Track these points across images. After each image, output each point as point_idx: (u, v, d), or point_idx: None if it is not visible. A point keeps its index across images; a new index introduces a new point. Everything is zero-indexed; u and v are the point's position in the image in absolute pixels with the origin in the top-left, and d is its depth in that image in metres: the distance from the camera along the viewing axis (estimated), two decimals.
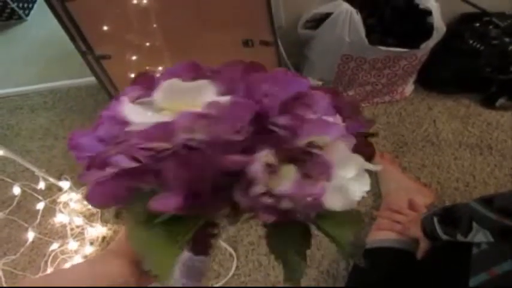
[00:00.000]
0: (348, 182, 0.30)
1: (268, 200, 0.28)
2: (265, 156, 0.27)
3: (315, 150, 0.28)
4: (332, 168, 0.29)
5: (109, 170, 0.27)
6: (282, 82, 0.30)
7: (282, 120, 0.28)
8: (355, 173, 0.30)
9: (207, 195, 0.27)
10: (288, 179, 0.28)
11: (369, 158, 0.32)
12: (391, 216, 0.96)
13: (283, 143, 0.28)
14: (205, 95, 0.28)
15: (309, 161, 0.28)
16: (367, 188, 0.31)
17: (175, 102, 0.28)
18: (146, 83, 0.30)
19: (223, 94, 0.29)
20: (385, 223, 0.94)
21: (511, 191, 0.78)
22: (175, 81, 0.28)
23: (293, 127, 0.28)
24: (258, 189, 0.27)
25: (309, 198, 0.28)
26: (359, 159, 0.31)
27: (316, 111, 0.29)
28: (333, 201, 0.30)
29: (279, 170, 0.28)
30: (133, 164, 0.26)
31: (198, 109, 0.27)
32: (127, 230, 0.31)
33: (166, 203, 0.26)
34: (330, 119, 0.30)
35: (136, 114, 0.28)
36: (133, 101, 0.30)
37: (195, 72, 0.31)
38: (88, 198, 0.28)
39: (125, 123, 0.28)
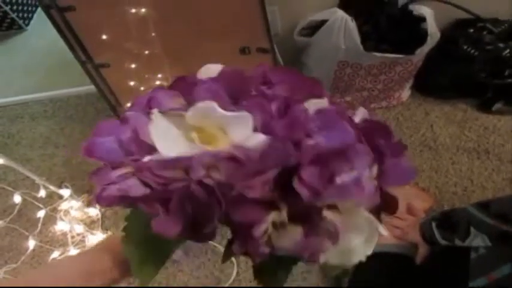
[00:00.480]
0: (355, 246, 0.28)
1: (265, 250, 0.27)
2: (275, 216, 0.26)
3: (330, 216, 0.26)
4: (342, 234, 0.27)
5: (117, 191, 0.26)
6: (329, 126, 0.26)
7: (309, 175, 0.24)
8: (365, 237, 0.28)
9: (207, 229, 0.26)
10: (291, 239, 0.27)
11: (391, 213, 0.29)
12: (389, 221, 0.96)
13: (301, 203, 0.25)
14: (239, 128, 0.25)
15: (320, 223, 0.27)
16: (370, 252, 0.29)
17: (206, 125, 0.26)
18: (184, 90, 0.28)
19: (260, 129, 0.26)
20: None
21: (507, 196, 0.79)
22: (211, 106, 0.25)
23: (318, 189, 0.24)
24: (256, 245, 0.26)
25: (306, 254, 0.27)
26: (375, 224, 0.28)
27: (354, 168, 0.25)
28: (331, 259, 0.28)
29: (286, 226, 0.27)
30: (144, 191, 0.25)
31: (226, 143, 0.25)
32: (124, 234, 0.33)
33: (166, 228, 0.26)
34: (366, 173, 0.26)
35: (162, 138, 0.26)
36: (166, 111, 0.27)
37: (239, 88, 0.27)
38: (96, 199, 0.27)
39: (149, 146, 0.26)
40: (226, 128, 0.26)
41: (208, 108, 0.25)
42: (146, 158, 0.25)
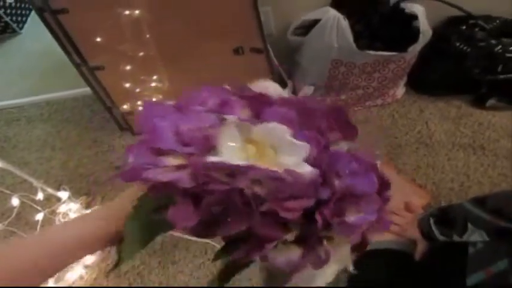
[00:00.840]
0: (326, 273, 0.32)
1: (257, 258, 0.29)
2: (289, 237, 0.28)
3: (326, 247, 0.30)
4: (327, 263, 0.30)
5: (163, 177, 0.27)
6: (361, 173, 0.29)
7: (327, 211, 0.28)
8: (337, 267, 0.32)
9: (221, 231, 0.28)
10: (289, 257, 0.29)
11: (359, 252, 0.33)
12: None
13: (313, 230, 0.28)
14: (293, 154, 0.28)
15: (318, 248, 0.30)
16: (330, 280, 0.33)
17: (266, 143, 0.28)
18: (255, 105, 0.30)
19: (310, 160, 0.28)
20: None
21: (503, 192, 0.79)
22: (281, 129, 0.28)
23: (331, 223, 0.28)
24: (257, 255, 0.29)
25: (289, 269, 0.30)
26: (349, 258, 0.33)
27: (362, 211, 0.29)
28: (302, 277, 0.31)
29: (288, 245, 0.29)
30: (190, 184, 0.27)
31: (273, 161, 0.27)
32: (132, 212, 0.34)
33: (183, 219, 0.27)
34: (372, 218, 0.30)
35: (227, 144, 0.28)
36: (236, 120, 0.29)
37: (307, 118, 0.30)
38: (121, 175, 0.28)
39: (208, 144, 0.28)
40: (282, 150, 0.28)
41: (277, 130, 0.28)
42: (210, 159, 0.26)
